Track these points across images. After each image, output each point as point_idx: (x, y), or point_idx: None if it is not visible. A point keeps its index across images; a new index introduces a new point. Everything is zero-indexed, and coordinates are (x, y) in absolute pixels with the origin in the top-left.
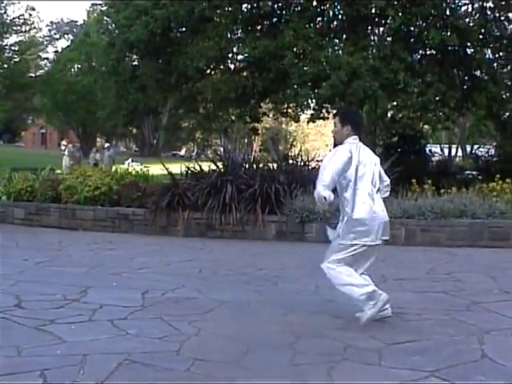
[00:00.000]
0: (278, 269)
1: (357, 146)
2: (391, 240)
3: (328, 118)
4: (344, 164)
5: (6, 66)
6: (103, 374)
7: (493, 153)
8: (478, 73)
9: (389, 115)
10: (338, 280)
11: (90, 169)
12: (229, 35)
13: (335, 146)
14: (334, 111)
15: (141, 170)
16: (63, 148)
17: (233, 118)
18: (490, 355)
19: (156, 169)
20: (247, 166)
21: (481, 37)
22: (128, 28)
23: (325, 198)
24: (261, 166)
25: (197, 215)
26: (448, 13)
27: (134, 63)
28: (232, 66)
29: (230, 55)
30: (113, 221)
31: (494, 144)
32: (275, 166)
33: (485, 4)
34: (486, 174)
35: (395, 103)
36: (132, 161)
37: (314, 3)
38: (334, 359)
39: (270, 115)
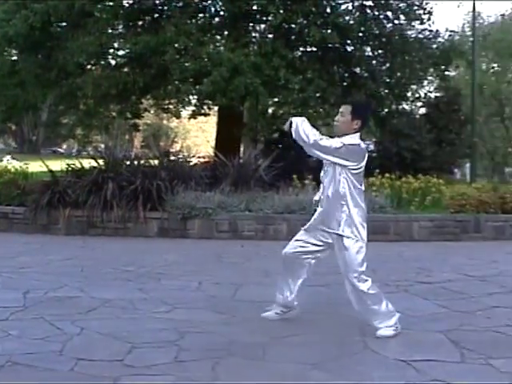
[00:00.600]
0: (161, 266)
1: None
2: (274, 235)
3: (209, 115)
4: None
5: None
6: None
7: (372, 148)
8: (357, 70)
9: (270, 111)
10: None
11: None
12: (110, 30)
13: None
14: (216, 107)
15: (20, 167)
16: None
17: (114, 114)
18: (372, 347)
19: (36, 166)
20: (128, 162)
21: (360, 35)
22: (7, 22)
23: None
24: (142, 162)
25: (78, 213)
26: (328, 11)
27: (13, 58)
28: (113, 62)
29: (111, 51)
30: None
31: (373, 140)
32: (157, 162)
33: (364, 2)
34: (365, 169)
35: (276, 99)
36: (11, 158)
37: None
38: (218, 355)
39: (152, 111)
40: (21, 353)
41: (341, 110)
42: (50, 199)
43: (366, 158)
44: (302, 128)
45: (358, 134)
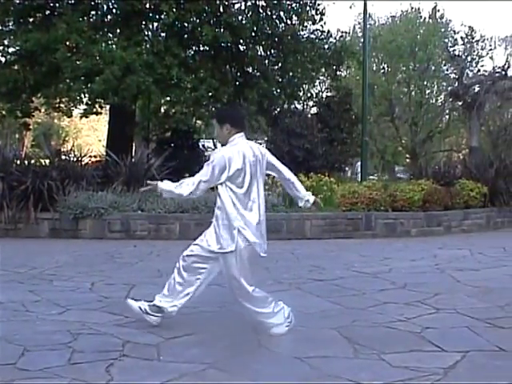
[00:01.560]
0: (53, 267)
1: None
2: (166, 235)
3: (101, 113)
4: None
5: None
6: None
7: (264, 147)
8: (250, 69)
9: (162, 110)
10: None
11: None
12: (0, 27)
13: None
14: (108, 106)
15: None
16: None
17: (3, 112)
18: (266, 345)
19: None
20: (19, 162)
21: (253, 34)
22: None
23: None
24: (33, 162)
25: None
26: (221, 10)
27: None
28: (3, 59)
29: (1, 48)
30: None
31: (265, 139)
32: (48, 162)
33: (257, 2)
34: None
35: (168, 98)
36: None
37: None
38: (112, 356)
39: (42, 110)
40: None
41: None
42: None
43: (231, 163)
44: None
45: (238, 135)
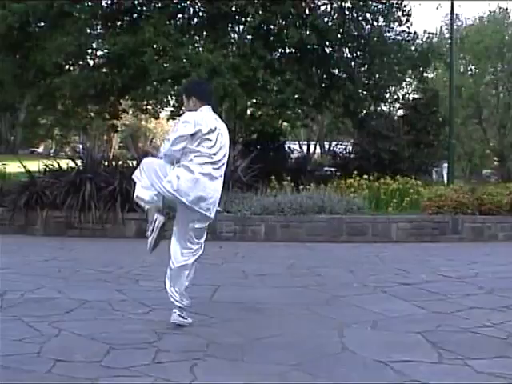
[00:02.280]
0: (139, 267)
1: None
2: (252, 236)
3: None
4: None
5: None
6: None
7: (350, 150)
8: (336, 71)
9: (248, 112)
10: None
11: None
12: (88, 31)
13: None
14: None
15: None
16: None
17: (92, 114)
18: (350, 347)
19: (13, 166)
20: (107, 163)
21: (339, 36)
22: None
23: None
24: (120, 163)
25: (56, 214)
26: (307, 12)
27: None
28: (91, 62)
29: (90, 51)
30: None
31: (352, 141)
32: (135, 163)
33: (343, 4)
34: (343, 171)
35: (255, 101)
36: None
37: (175, 0)
38: (196, 356)
39: (130, 112)
40: None
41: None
42: (28, 200)
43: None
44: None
45: (205, 107)
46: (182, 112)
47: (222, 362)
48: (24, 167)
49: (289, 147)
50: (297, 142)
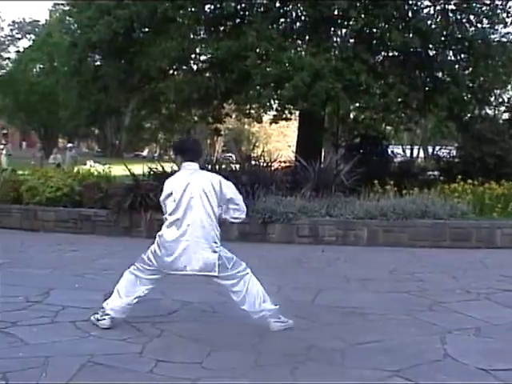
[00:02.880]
0: None
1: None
2: (354, 241)
3: (291, 119)
4: None
5: None
6: (66, 376)
7: (454, 154)
8: (439, 74)
9: (351, 116)
10: None
11: (51, 170)
12: (192, 36)
13: None
14: (297, 112)
15: (103, 170)
16: (1, 147)
17: (195, 118)
18: (452, 354)
19: (118, 169)
20: (210, 166)
21: (443, 39)
22: (90, 28)
23: None
24: (223, 166)
25: (159, 216)
26: (410, 15)
27: (97, 63)
28: (195, 67)
29: (193, 56)
30: (75, 222)
31: (456, 145)
32: (238, 166)
33: (447, 6)
34: (447, 175)
35: (358, 104)
36: (94, 161)
37: (277, 4)
38: (297, 359)
39: (233, 116)
40: (101, 353)
41: None
42: (132, 202)
43: (169, 189)
44: None
45: (188, 163)
46: (284, 116)
47: (322, 365)
48: (129, 170)
49: (392, 151)
50: (400, 146)
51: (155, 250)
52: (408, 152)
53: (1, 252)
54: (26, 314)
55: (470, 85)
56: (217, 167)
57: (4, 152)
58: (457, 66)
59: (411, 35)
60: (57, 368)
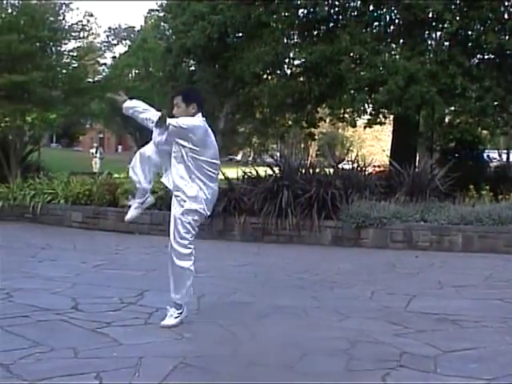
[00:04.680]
0: (334, 274)
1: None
2: (449, 246)
3: (385, 123)
4: None
5: (64, 71)
6: (158, 377)
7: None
8: None
9: (446, 120)
10: None
11: None
12: (285, 40)
13: None
14: (391, 116)
15: None
16: (94, 150)
17: (289, 123)
18: None
19: None
20: (303, 171)
21: None
22: (185, 33)
23: None
24: (317, 171)
25: (253, 220)
26: (506, 16)
27: (191, 68)
28: (288, 71)
29: (287, 60)
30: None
31: None
32: (332, 171)
33: None
34: None
35: (453, 108)
36: None
37: (371, 8)
38: (389, 365)
39: (327, 120)
40: (194, 355)
41: (175, 102)
42: (226, 206)
43: (207, 137)
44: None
45: (199, 115)
46: (378, 120)
47: (414, 372)
48: (223, 174)
49: (488, 155)
50: (496, 151)
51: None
52: (504, 156)
53: (97, 254)
54: (121, 315)
55: None
56: (311, 171)
57: (98, 155)
58: None
59: (507, 37)
60: (149, 368)
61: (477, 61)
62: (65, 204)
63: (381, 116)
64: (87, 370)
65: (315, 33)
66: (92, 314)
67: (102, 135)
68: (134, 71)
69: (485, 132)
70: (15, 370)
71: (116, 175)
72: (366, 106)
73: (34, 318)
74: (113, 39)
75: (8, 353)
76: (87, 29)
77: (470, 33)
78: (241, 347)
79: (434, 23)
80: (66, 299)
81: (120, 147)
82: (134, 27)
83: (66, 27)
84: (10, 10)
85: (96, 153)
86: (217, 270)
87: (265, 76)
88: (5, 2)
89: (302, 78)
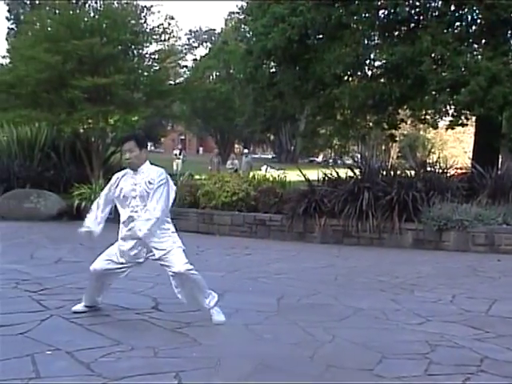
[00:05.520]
0: (415, 277)
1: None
2: None
3: (467, 125)
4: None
5: (146, 73)
6: (237, 378)
7: None
8: None
9: None
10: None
11: (227, 175)
12: (366, 41)
13: (133, 169)
14: (473, 117)
15: (278, 176)
16: (177, 152)
17: (370, 124)
18: None
19: (293, 175)
20: (384, 173)
21: None
22: (265, 35)
23: None
24: (398, 173)
25: (333, 222)
26: None
27: (272, 70)
28: (369, 73)
29: (367, 61)
30: (250, 226)
31: None
32: (413, 173)
33: None
34: None
35: None
36: (269, 167)
37: (452, 8)
38: (469, 370)
39: (408, 122)
40: (273, 356)
41: (125, 147)
42: (306, 208)
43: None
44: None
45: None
46: (460, 122)
47: (495, 378)
48: (303, 176)
49: None
50: None
51: None
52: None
53: None
54: (204, 315)
55: None
56: (391, 173)
57: (181, 157)
58: None
59: None
60: (228, 369)
61: None
62: None
63: (463, 117)
64: (166, 370)
65: (396, 34)
66: (172, 313)
67: (183, 137)
68: (214, 73)
69: None
70: (96, 369)
71: (197, 177)
72: (448, 107)
73: (114, 318)
74: (194, 42)
75: (89, 351)
76: (168, 32)
77: None
78: (320, 349)
79: None
80: (146, 299)
81: (201, 149)
82: (214, 30)
83: (148, 30)
84: (92, 14)
85: (180, 155)
86: (297, 271)
87: (345, 77)
88: (87, 6)
89: (382, 80)
